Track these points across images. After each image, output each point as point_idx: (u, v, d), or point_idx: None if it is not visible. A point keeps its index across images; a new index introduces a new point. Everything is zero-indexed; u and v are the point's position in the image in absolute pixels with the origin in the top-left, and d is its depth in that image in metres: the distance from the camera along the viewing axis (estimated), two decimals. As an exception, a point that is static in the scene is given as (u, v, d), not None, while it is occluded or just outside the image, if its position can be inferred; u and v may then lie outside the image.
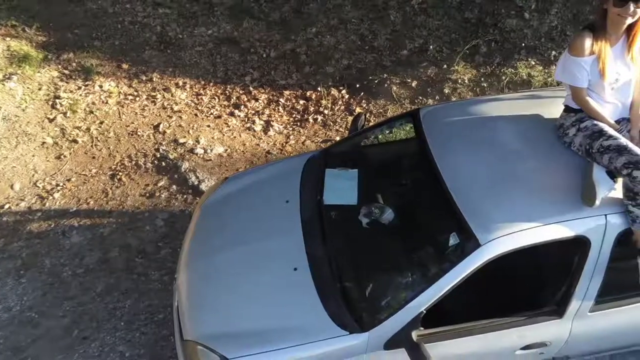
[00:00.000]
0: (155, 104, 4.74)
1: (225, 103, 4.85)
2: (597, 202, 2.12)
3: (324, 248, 2.54)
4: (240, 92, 4.93)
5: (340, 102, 4.84)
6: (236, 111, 4.74)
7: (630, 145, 2.14)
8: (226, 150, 4.43)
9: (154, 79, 4.91)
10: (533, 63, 4.76)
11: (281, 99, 4.89)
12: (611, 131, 2.24)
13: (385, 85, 4.86)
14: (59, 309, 3.37)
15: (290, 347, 2.26)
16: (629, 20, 2.21)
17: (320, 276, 2.44)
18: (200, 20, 5.50)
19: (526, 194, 2.24)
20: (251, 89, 4.93)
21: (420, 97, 4.74)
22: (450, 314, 2.32)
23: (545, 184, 2.28)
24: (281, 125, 4.69)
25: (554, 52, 4.76)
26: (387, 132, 3.02)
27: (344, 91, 4.90)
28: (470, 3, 5.07)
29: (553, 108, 2.57)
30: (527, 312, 2.33)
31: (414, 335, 2.19)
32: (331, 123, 4.69)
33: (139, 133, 4.48)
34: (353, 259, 2.54)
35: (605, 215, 2.17)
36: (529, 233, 2.13)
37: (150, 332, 3.28)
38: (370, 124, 4.59)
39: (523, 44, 4.85)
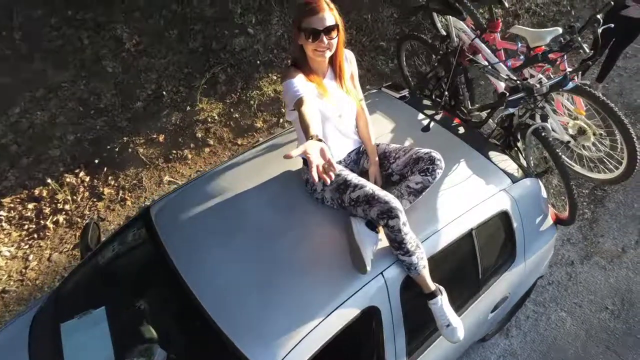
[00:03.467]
0: None
1: None
2: (369, 268, 1.86)
3: None
4: (-63, 224, 3.66)
5: (82, 189, 3.95)
6: (-62, 253, 3.49)
7: (377, 190, 1.91)
8: (-62, 314, 3.21)
9: None
10: (275, 77, 4.54)
11: (1, 212, 3.77)
12: (355, 179, 1.99)
13: (130, 150, 4.13)
14: None
15: None
16: (328, 54, 1.96)
17: None
18: None
19: (297, 288, 1.87)
20: (-49, 214, 3.70)
21: (174, 151, 4.14)
22: None
23: (312, 263, 1.94)
24: (11, 246, 3.62)
25: (289, 61, 4.62)
26: (121, 248, 2.38)
27: (82, 174, 4.01)
28: (189, 32, 4.59)
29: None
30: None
31: None
32: (78, 219, 3.79)
33: None
34: None
35: (382, 273, 1.93)
36: (316, 334, 1.76)
37: None
38: (126, 205, 3.86)
39: (258, 61, 4.60)
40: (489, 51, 2.82)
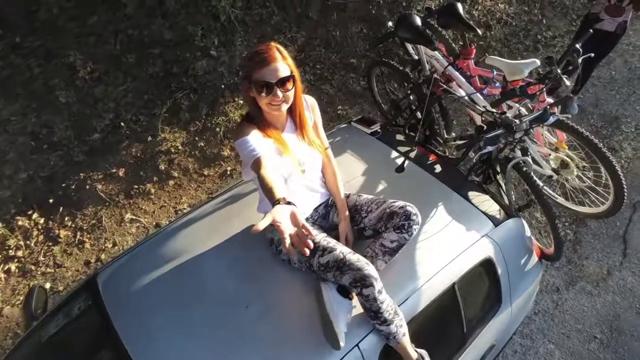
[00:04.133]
0: None
1: None
2: (342, 343, 1.65)
3: None
4: None
5: (35, 233, 3.65)
6: None
7: (348, 255, 1.72)
8: None
9: None
10: (241, 102, 4.31)
11: (-55, 264, 3.45)
12: (323, 241, 1.78)
13: (87, 186, 3.84)
14: None
15: None
16: (285, 106, 1.75)
17: None
18: None
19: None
20: None
21: (136, 186, 3.87)
22: None
23: (279, 337, 1.73)
24: (-43, 302, 3.30)
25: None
26: (67, 323, 2.13)
27: (35, 215, 3.71)
28: (147, 57, 4.32)
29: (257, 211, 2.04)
30: None
31: None
32: (32, 267, 3.50)
33: None
34: None
35: (358, 345, 1.73)
36: None
37: None
38: (84, 249, 3.58)
39: (223, 85, 4.36)
40: (463, 80, 2.65)
